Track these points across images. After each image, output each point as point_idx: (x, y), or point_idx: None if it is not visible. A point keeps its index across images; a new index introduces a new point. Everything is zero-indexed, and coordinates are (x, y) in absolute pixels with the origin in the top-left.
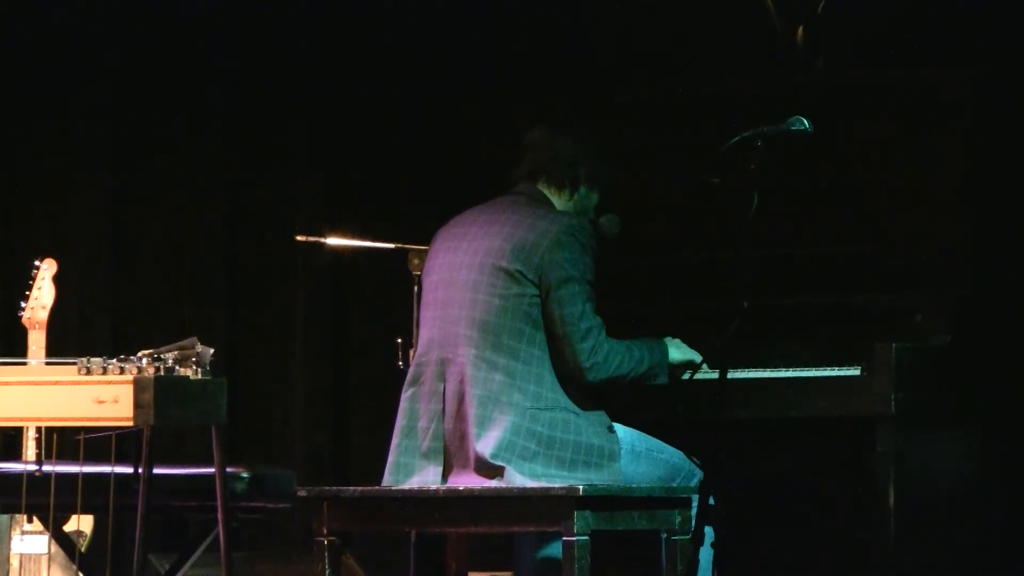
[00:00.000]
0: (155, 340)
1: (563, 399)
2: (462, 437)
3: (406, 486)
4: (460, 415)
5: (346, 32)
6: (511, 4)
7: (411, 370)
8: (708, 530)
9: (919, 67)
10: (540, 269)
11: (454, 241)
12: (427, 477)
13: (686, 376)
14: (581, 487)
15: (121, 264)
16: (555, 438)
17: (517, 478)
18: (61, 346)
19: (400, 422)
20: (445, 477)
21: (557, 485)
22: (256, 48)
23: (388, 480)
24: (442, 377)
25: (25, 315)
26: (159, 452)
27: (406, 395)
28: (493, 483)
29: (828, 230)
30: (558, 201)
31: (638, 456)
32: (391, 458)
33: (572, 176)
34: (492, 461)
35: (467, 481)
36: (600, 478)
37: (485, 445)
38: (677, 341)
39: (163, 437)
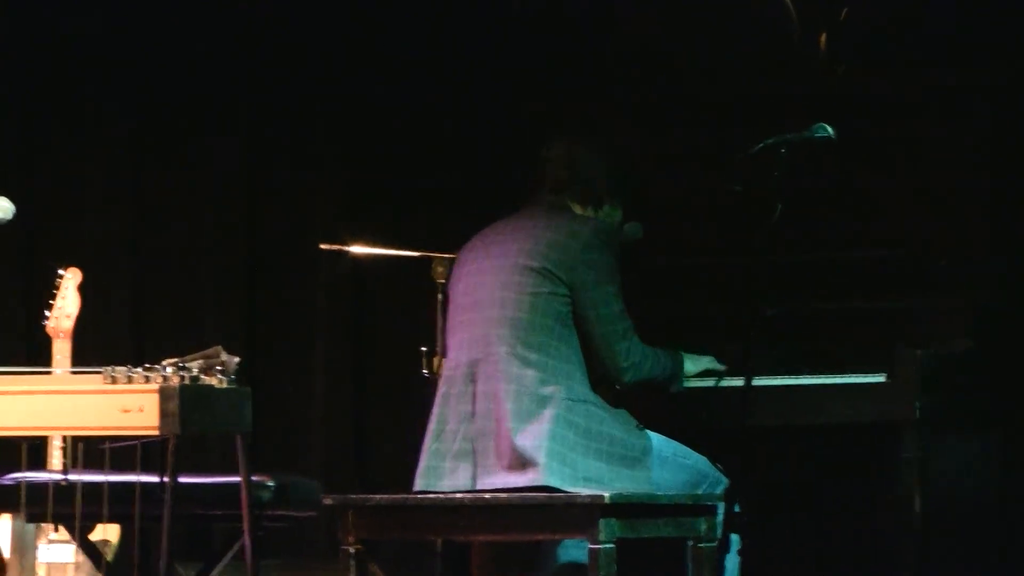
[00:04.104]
0: (177, 349)
1: (592, 396)
2: (494, 435)
3: (437, 490)
4: (492, 413)
5: (368, 38)
6: (533, 8)
7: (442, 374)
8: (734, 537)
9: (937, 70)
10: (572, 269)
11: (482, 249)
12: (458, 479)
13: (711, 382)
14: (607, 495)
15: (142, 273)
16: (592, 429)
17: (551, 474)
18: (83, 355)
19: (431, 426)
20: (476, 478)
21: (583, 492)
22: (277, 53)
23: (419, 484)
24: (471, 378)
25: (49, 324)
26: (183, 461)
27: (437, 399)
28: (524, 481)
29: (850, 235)
30: (583, 215)
31: (664, 461)
32: (422, 462)
33: (595, 194)
34: (532, 453)
35: (499, 480)
36: (637, 475)
37: (524, 437)
38: (692, 356)
39: (186, 446)
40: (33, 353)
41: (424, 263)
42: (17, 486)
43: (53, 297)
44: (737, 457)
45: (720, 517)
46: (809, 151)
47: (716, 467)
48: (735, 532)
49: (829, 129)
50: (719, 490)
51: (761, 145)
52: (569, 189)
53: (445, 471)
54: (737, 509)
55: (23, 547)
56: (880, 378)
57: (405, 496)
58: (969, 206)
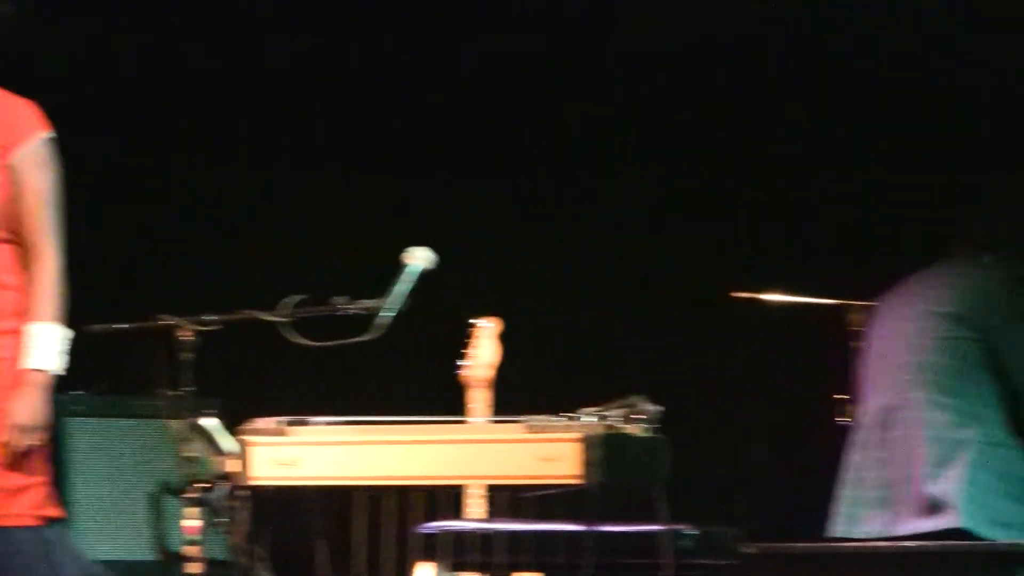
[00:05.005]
0: (588, 399)
1: (1011, 440)
2: (910, 481)
3: (853, 536)
4: (908, 459)
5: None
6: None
7: (858, 422)
8: None
9: None
10: (982, 313)
11: (897, 298)
12: (873, 526)
13: None
14: None
15: (555, 321)
16: (1011, 474)
17: (968, 517)
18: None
19: (847, 473)
20: (891, 524)
21: (1001, 539)
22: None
23: (837, 530)
24: (886, 425)
25: (464, 372)
26: (602, 509)
27: (853, 446)
28: (939, 525)
29: None
30: (994, 263)
31: None
32: (839, 508)
33: (1010, 252)
34: (947, 498)
35: (912, 526)
36: None
37: (939, 483)
38: None
39: (604, 494)
40: (449, 403)
41: (836, 311)
42: (439, 535)
43: (466, 346)
44: None
45: None
46: None
47: None
48: None
49: None
50: None
51: None
52: (984, 244)
53: (861, 518)
54: None
55: None
56: None
57: (826, 544)
58: None
